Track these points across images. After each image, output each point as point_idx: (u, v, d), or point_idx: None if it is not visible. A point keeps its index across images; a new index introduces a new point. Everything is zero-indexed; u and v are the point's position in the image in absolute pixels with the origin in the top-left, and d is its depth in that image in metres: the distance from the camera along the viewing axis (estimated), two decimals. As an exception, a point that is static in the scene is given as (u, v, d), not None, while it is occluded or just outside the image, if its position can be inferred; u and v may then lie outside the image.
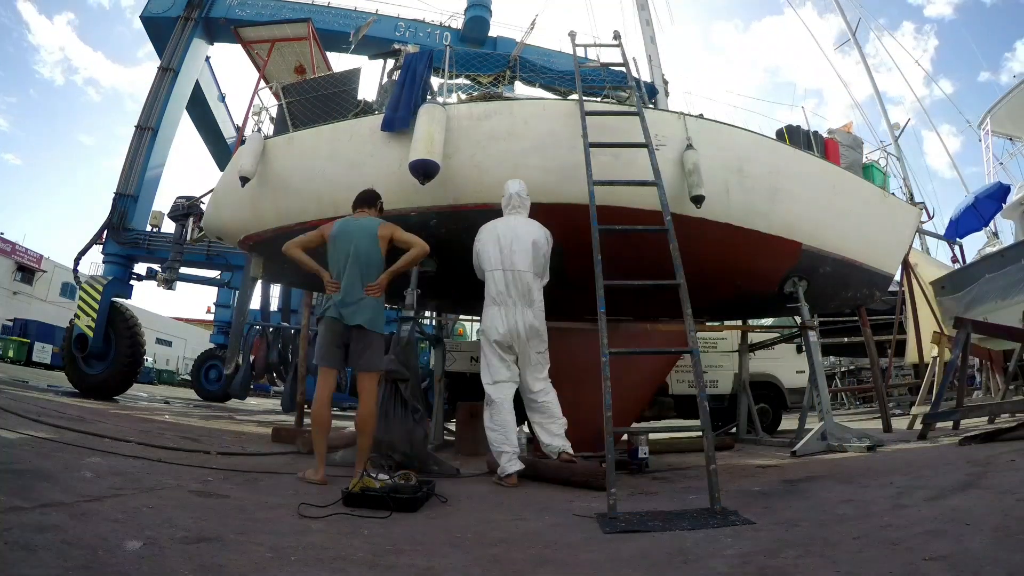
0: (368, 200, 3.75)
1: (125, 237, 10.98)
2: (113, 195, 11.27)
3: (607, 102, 5.24)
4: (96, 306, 9.51)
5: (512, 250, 3.78)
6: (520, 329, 3.72)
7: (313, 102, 5.27)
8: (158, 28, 13.03)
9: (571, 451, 3.73)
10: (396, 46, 5.61)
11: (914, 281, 8.99)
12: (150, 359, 23.52)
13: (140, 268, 11.28)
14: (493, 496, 3.24)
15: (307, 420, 7.71)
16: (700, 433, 2.87)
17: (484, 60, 5.88)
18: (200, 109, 14.47)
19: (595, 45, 6.02)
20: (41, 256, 28.52)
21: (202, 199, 9.42)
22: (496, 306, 3.79)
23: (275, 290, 12.37)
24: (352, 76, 5.49)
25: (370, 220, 3.57)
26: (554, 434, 3.78)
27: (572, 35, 5.74)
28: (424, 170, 4.16)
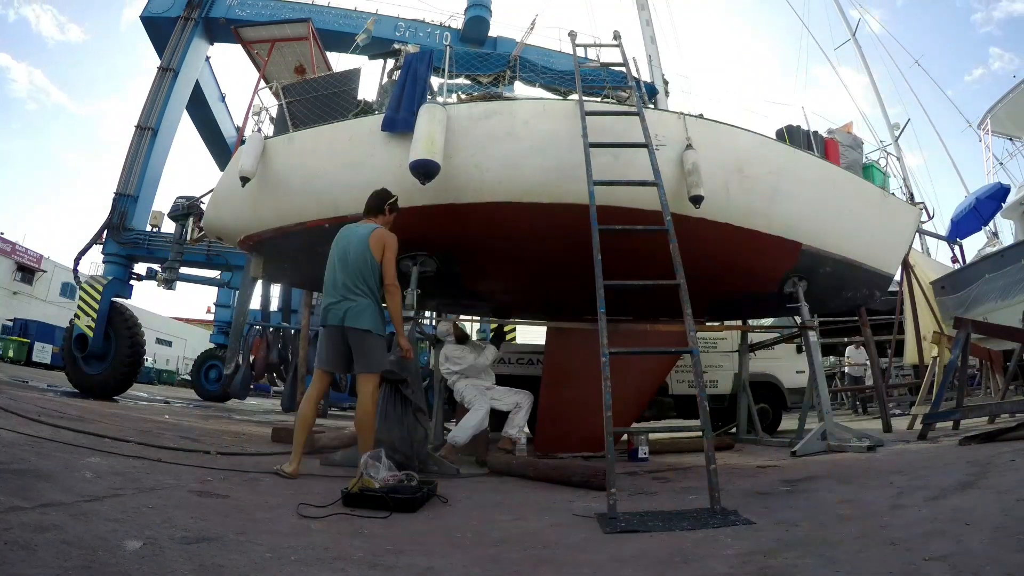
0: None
1: (125, 237, 10.97)
2: (113, 195, 11.26)
3: (607, 102, 5.23)
4: (96, 306, 9.52)
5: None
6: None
7: (313, 102, 5.26)
8: (158, 28, 13.01)
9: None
10: (396, 46, 5.59)
11: (914, 281, 9.00)
12: (150, 359, 23.51)
13: (140, 268, 11.28)
14: (493, 496, 3.24)
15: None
16: (700, 433, 2.88)
17: (484, 60, 5.87)
18: (200, 109, 14.44)
19: (595, 45, 6.01)
20: (41, 256, 28.49)
21: (202, 199, 9.39)
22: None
23: (275, 290, 12.38)
24: (352, 76, 5.48)
25: None
26: None
27: (572, 35, 5.74)
28: (425, 170, 4.16)
